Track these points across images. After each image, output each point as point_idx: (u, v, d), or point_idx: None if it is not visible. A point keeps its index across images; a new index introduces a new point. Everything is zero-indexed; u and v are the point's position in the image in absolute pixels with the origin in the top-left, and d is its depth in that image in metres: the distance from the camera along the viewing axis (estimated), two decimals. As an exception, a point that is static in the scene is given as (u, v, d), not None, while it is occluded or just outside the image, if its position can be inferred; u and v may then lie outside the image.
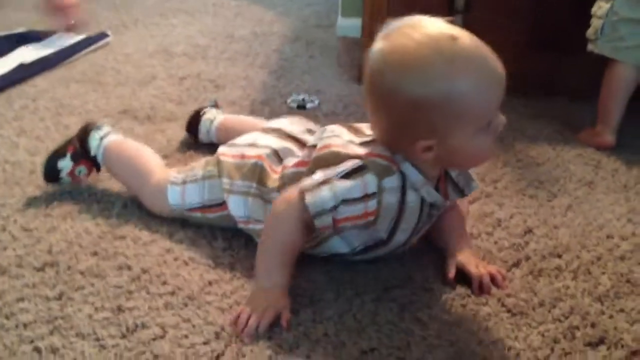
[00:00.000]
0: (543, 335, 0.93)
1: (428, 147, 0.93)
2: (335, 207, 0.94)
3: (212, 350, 0.88)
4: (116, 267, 1.04)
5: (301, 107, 1.73)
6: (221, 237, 1.14)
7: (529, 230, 1.19)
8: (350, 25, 2.31)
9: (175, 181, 1.17)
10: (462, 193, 1.06)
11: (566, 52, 1.72)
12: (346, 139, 1.01)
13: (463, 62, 0.90)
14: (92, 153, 1.26)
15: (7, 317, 0.93)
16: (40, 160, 1.36)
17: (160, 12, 2.58)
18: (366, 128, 1.04)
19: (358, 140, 1.01)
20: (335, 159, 0.98)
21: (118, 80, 1.86)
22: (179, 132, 1.54)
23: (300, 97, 1.78)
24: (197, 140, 1.48)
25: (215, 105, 1.53)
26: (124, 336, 0.90)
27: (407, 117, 0.92)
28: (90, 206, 1.22)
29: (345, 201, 0.94)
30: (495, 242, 1.15)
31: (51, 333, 0.90)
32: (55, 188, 1.27)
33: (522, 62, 1.77)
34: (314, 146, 1.05)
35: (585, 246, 1.15)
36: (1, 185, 1.27)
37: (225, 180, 1.12)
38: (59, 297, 0.97)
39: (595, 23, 1.52)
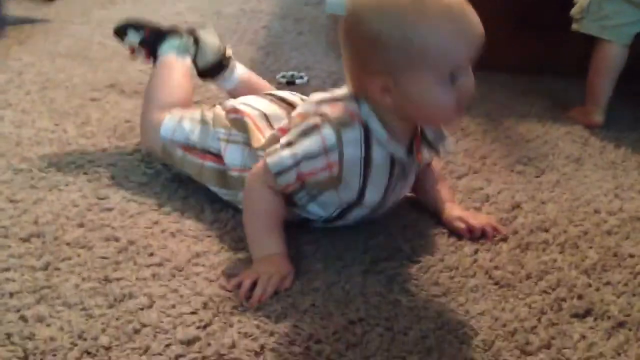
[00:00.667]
0: (530, 307, 0.93)
1: (385, 87, 0.93)
2: (297, 164, 0.96)
3: (200, 319, 0.88)
4: (103, 238, 1.04)
5: (290, 84, 1.72)
6: (209, 209, 1.13)
7: (517, 206, 1.19)
8: (339, 2, 2.29)
9: (173, 116, 1.21)
10: (436, 152, 1.08)
11: (553, 30, 1.71)
12: (319, 97, 1.03)
13: (432, 6, 0.89)
14: (158, 52, 1.33)
15: (-8, 287, 0.92)
16: (25, 133, 1.35)
17: (148, -12, 2.55)
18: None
19: (330, 96, 1.01)
20: (300, 117, 1.01)
21: (105, 55, 1.84)
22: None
23: (290, 73, 1.77)
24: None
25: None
26: (111, 306, 0.89)
27: (365, 51, 0.93)
28: (77, 177, 1.21)
29: (305, 157, 0.96)
30: (484, 216, 1.15)
31: (37, 302, 0.89)
32: (42, 161, 1.25)
33: (510, 40, 1.77)
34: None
35: (573, 221, 1.15)
36: (-14, 158, 1.26)
37: (221, 130, 1.14)
38: (45, 268, 0.96)
39: (581, 1, 1.51)
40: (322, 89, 1.64)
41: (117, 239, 1.04)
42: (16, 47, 1.88)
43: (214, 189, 1.15)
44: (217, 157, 1.13)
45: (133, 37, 1.34)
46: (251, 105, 1.16)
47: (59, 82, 1.66)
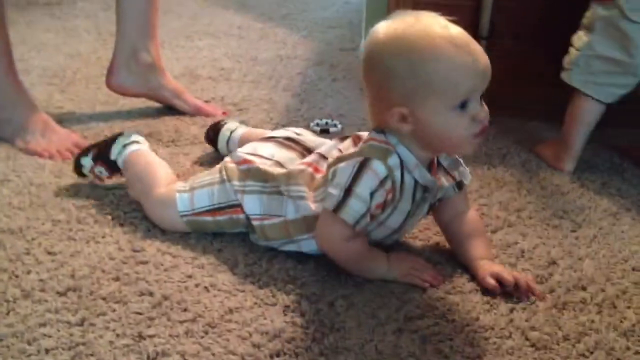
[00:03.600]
0: (567, 371, 0.92)
1: (402, 115, 1.02)
2: (368, 206, 1.03)
3: (232, 380, 0.88)
4: (138, 292, 1.05)
5: (324, 132, 1.73)
6: (243, 263, 1.14)
7: (553, 262, 1.18)
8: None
9: (183, 189, 1.21)
10: (455, 181, 1.14)
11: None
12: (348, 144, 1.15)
13: (439, 41, 0.99)
14: (113, 157, 1.32)
15: (29, 343, 0.93)
16: (64, 183, 1.38)
17: (186, 35, 2.60)
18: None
19: (355, 134, 1.16)
20: (337, 160, 1.08)
21: (144, 103, 1.88)
22: (202, 156, 1.55)
23: (324, 121, 1.79)
24: (217, 149, 1.52)
25: None
26: (144, 364, 0.90)
27: (383, 86, 1.04)
28: (114, 229, 1.22)
29: (371, 195, 1.03)
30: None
31: None
32: (80, 212, 1.28)
33: (545, 89, 1.77)
34: (324, 156, 1.16)
35: (610, 279, 1.13)
36: (26, 208, 1.29)
37: (236, 182, 1.17)
38: (81, 323, 0.97)
39: (572, 54, 1.50)
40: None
41: (151, 294, 1.04)
42: (58, 95, 1.93)
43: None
44: (241, 208, 1.17)
45: (86, 161, 1.35)
46: (261, 155, 1.20)
47: (99, 130, 1.69)
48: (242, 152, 1.22)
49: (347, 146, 1.15)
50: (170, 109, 1.83)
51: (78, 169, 1.36)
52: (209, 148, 1.58)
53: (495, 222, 1.31)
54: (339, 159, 1.07)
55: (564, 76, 1.52)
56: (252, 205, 1.16)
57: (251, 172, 1.17)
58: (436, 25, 1.01)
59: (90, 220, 1.25)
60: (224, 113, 1.83)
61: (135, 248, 1.17)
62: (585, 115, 1.51)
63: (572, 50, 1.51)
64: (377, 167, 1.03)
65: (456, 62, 0.99)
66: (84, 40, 2.48)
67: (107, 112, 1.82)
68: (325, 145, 1.20)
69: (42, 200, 1.32)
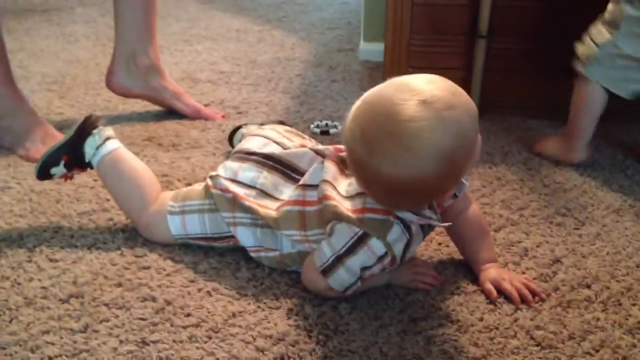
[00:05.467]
0: (573, 370, 0.91)
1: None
2: (358, 278, 1.01)
3: (237, 384, 0.87)
4: (140, 298, 1.04)
5: (324, 133, 1.73)
6: (245, 267, 1.13)
7: (557, 260, 1.17)
8: (372, 49, 2.32)
9: (174, 210, 1.17)
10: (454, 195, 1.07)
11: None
12: (338, 192, 1.05)
13: (446, 126, 0.89)
14: (87, 159, 1.22)
15: (32, 351, 0.93)
16: (65, 189, 1.38)
17: (185, 39, 2.60)
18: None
19: (347, 191, 1.04)
20: (336, 216, 1.01)
21: (144, 107, 1.87)
22: (203, 160, 1.54)
23: (324, 122, 1.78)
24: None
25: None
26: (148, 370, 0.90)
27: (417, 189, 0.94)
28: (116, 235, 1.22)
29: (362, 269, 1.00)
30: (523, 273, 1.13)
31: (76, 367, 0.90)
32: (81, 218, 1.27)
33: (545, 86, 1.77)
34: (309, 185, 1.08)
35: (615, 276, 1.13)
36: (28, 215, 1.28)
37: (226, 214, 1.13)
38: (84, 330, 0.97)
39: (591, 48, 1.45)
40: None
41: (154, 299, 1.04)
42: (57, 101, 1.92)
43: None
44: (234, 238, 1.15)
45: (59, 170, 1.23)
46: (243, 183, 1.14)
47: (98, 135, 1.68)
48: (223, 176, 1.16)
49: (334, 173, 1.07)
50: (169, 113, 1.83)
51: (45, 176, 1.24)
52: (209, 152, 1.58)
53: (498, 220, 1.30)
54: (339, 216, 1.00)
55: (580, 69, 1.48)
56: (246, 238, 1.13)
57: (237, 205, 1.12)
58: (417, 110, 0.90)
59: (92, 226, 1.25)
60: (223, 116, 1.83)
61: (137, 253, 1.16)
62: (593, 104, 1.49)
63: (590, 43, 1.46)
64: (375, 246, 0.98)
65: (467, 137, 0.93)
66: (82, 46, 2.48)
67: (107, 118, 1.82)
68: (308, 174, 1.11)
69: (43, 207, 1.31)
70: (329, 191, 1.04)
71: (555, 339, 0.97)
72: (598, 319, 1.02)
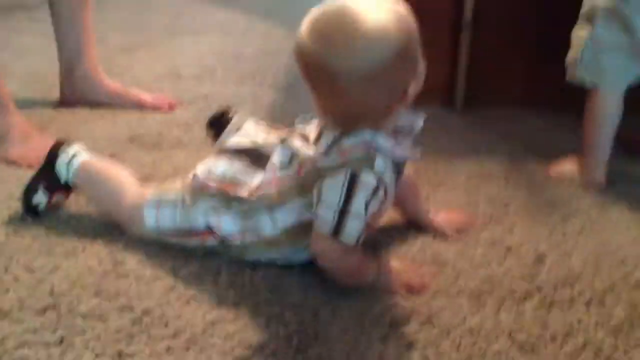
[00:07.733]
0: (554, 374, 0.90)
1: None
2: (365, 221, 1.01)
3: (213, 398, 0.86)
4: (118, 308, 1.03)
5: (309, 129, 1.71)
6: (226, 272, 1.12)
7: (541, 258, 1.16)
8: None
9: (150, 203, 1.18)
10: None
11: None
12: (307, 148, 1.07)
13: (397, 20, 0.97)
14: (63, 180, 1.26)
15: (6, 366, 0.92)
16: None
17: (170, 32, 2.57)
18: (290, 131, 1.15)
19: (319, 152, 1.05)
20: (320, 172, 1.02)
21: (124, 107, 1.85)
22: (185, 160, 1.52)
23: (309, 115, 1.76)
24: (215, 140, 1.38)
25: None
26: (124, 384, 0.89)
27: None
28: (94, 242, 1.20)
29: (366, 210, 1.00)
30: (505, 273, 1.12)
31: (51, 382, 0.89)
32: (60, 224, 1.25)
33: (530, 76, 1.75)
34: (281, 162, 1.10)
35: (598, 274, 1.12)
36: (6, 223, 1.26)
37: (204, 204, 1.13)
38: (60, 343, 0.96)
39: (577, 50, 1.40)
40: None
41: (131, 309, 1.02)
42: (41, 100, 1.90)
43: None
44: (210, 232, 1.13)
45: (40, 198, 1.25)
46: (221, 176, 1.14)
47: (81, 136, 1.66)
48: (200, 174, 1.16)
49: (300, 146, 1.09)
50: (153, 112, 1.82)
51: (33, 211, 1.26)
52: (193, 151, 1.56)
53: (482, 217, 1.29)
54: (320, 172, 1.02)
55: (571, 76, 1.42)
56: (229, 224, 1.11)
57: (217, 194, 1.12)
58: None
59: (71, 233, 1.23)
60: (170, 106, 1.85)
61: (116, 259, 1.15)
62: (604, 116, 1.41)
63: (575, 45, 1.42)
64: (367, 179, 0.99)
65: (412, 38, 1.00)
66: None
67: (90, 116, 1.80)
68: (276, 153, 1.12)
69: (22, 214, 1.29)
70: (303, 155, 1.06)
71: (536, 342, 0.96)
72: (580, 321, 1.01)
